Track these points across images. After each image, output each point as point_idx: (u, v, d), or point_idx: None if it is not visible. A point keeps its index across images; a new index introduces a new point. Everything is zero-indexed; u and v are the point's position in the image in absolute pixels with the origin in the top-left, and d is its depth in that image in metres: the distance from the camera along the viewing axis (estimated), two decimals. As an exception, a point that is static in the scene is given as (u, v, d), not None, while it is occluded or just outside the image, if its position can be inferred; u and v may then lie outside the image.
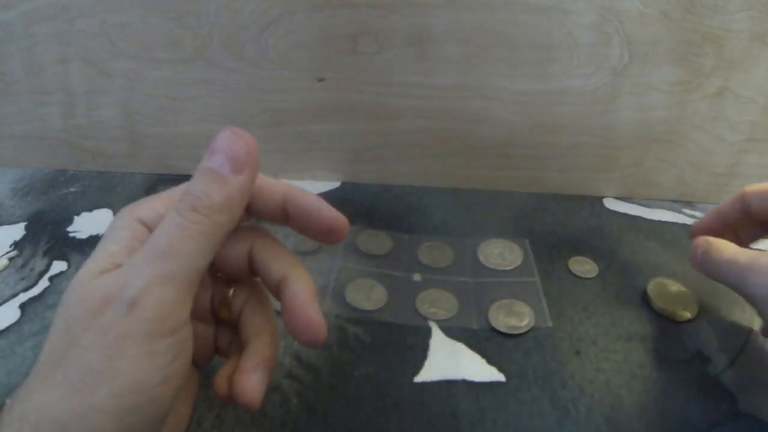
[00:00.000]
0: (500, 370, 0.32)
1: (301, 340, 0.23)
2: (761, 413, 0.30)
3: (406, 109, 0.45)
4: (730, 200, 0.35)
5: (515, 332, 0.34)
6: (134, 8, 0.42)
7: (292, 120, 0.46)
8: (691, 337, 0.34)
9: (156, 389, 0.20)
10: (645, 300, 0.36)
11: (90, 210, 0.46)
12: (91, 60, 0.45)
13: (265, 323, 0.25)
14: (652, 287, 0.37)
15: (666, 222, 0.45)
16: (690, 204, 0.47)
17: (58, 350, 0.20)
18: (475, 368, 0.32)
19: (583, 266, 0.39)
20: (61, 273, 0.39)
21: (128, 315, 0.20)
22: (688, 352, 0.33)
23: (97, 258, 0.22)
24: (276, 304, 0.26)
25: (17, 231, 0.43)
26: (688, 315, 0.35)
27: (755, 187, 0.34)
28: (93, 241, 0.42)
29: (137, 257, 0.21)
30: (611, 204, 0.47)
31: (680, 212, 0.46)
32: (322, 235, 0.25)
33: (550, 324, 0.35)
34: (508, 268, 0.39)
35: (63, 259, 0.40)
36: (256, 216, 0.26)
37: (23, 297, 0.37)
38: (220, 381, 0.24)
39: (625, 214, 0.46)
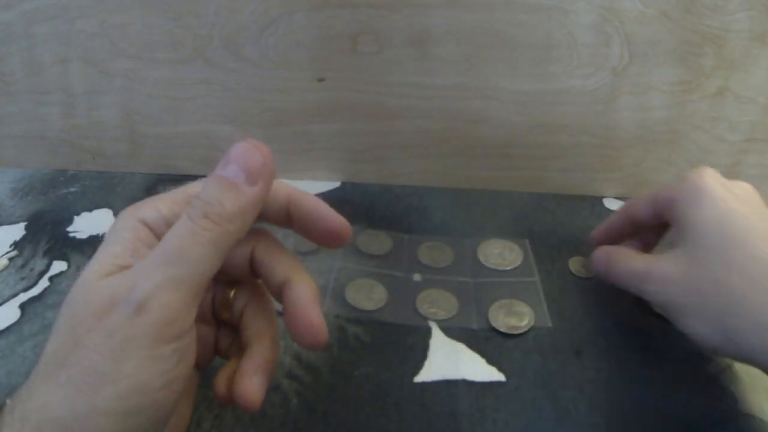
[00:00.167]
0: (500, 370, 0.32)
1: (302, 342, 0.23)
2: (761, 413, 0.30)
3: (406, 109, 0.45)
4: (642, 202, 0.35)
5: (515, 332, 0.34)
6: (134, 8, 0.42)
7: (292, 120, 0.46)
8: (691, 337, 0.34)
9: (160, 392, 0.20)
10: (645, 300, 0.36)
11: (90, 210, 0.46)
12: (91, 60, 0.45)
13: (266, 326, 0.25)
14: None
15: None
16: (690, 204, 0.47)
17: (61, 350, 0.20)
18: (475, 368, 0.32)
19: (584, 266, 0.39)
20: (61, 273, 0.39)
21: (135, 318, 0.20)
22: (688, 352, 0.33)
23: (101, 259, 0.22)
24: (276, 305, 0.26)
25: (17, 231, 0.43)
26: (688, 315, 0.35)
27: (665, 191, 0.33)
28: (93, 241, 0.42)
29: (146, 260, 0.21)
30: (611, 204, 0.47)
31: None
32: (324, 239, 0.25)
33: (550, 324, 0.35)
34: (508, 268, 0.39)
35: (63, 259, 0.40)
36: (259, 217, 0.26)
37: (23, 297, 0.37)
38: (220, 383, 0.24)
39: (625, 214, 0.46)
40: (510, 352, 0.33)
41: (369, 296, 0.36)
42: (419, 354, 0.33)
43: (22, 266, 0.40)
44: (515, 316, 0.35)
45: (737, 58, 0.40)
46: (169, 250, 0.21)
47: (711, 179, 0.31)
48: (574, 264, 0.39)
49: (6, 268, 0.40)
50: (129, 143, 0.49)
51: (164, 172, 0.50)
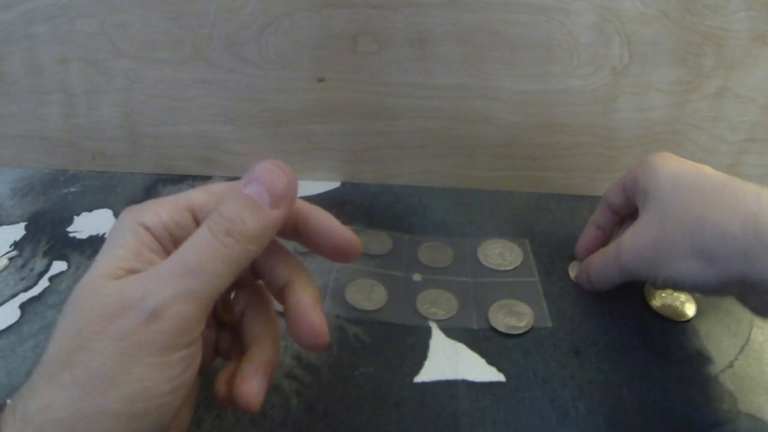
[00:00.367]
0: (500, 370, 0.32)
1: (304, 344, 0.24)
2: (761, 413, 0.30)
3: (406, 109, 0.45)
4: (613, 188, 0.36)
5: (515, 332, 0.34)
6: (134, 8, 0.42)
7: (292, 120, 0.46)
8: (691, 337, 0.34)
9: (165, 397, 0.20)
10: (645, 300, 0.36)
11: (90, 210, 0.46)
12: (91, 60, 0.45)
13: (266, 328, 0.25)
14: (651, 287, 0.37)
15: (666, 222, 0.45)
16: (690, 204, 0.47)
17: (65, 351, 0.20)
18: (475, 368, 0.32)
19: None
20: (61, 273, 0.39)
21: (147, 324, 0.20)
22: (688, 352, 0.33)
23: (105, 260, 0.22)
24: (277, 306, 0.26)
25: (17, 231, 0.43)
26: (688, 315, 0.35)
27: (630, 173, 0.35)
28: (93, 241, 0.42)
29: (161, 268, 0.21)
30: (611, 204, 0.47)
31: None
32: (332, 254, 0.25)
33: (550, 324, 0.35)
34: (508, 268, 0.39)
35: (63, 259, 0.40)
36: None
37: (23, 297, 0.37)
38: (221, 384, 0.24)
39: (625, 214, 0.46)
40: (510, 352, 0.33)
41: (369, 296, 0.36)
42: (419, 354, 0.33)
43: (22, 266, 0.40)
44: (515, 316, 0.35)
45: (737, 58, 0.40)
46: (187, 262, 0.21)
47: (667, 156, 0.33)
48: (574, 270, 0.39)
49: (6, 268, 0.40)
50: (129, 143, 0.49)
51: (164, 172, 0.50)
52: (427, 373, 0.32)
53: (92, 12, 0.43)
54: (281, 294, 0.25)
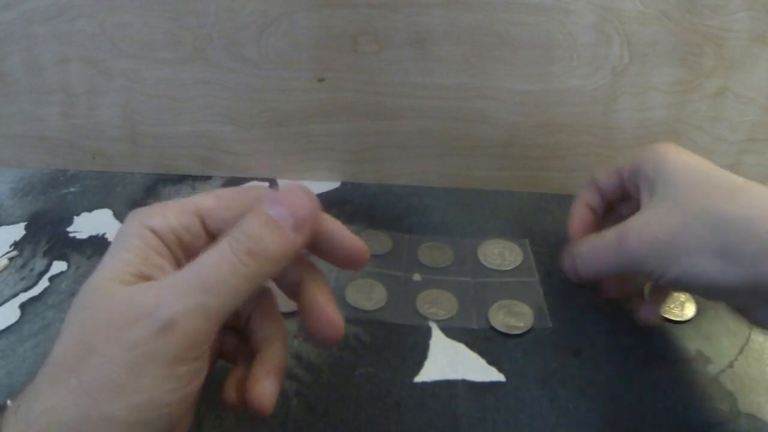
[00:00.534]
0: (500, 370, 0.32)
1: (322, 337, 0.24)
2: (761, 413, 0.30)
3: (406, 109, 0.45)
4: (607, 173, 0.34)
5: (515, 332, 0.34)
6: (134, 8, 0.42)
7: (292, 120, 0.46)
8: (691, 337, 0.34)
9: (171, 407, 0.20)
10: (645, 300, 0.36)
11: (90, 210, 0.46)
12: (91, 60, 0.45)
13: (275, 330, 0.25)
14: (651, 287, 0.37)
15: (666, 222, 0.45)
16: (690, 204, 0.47)
17: (71, 355, 0.20)
18: (475, 368, 0.32)
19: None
20: (61, 273, 0.39)
21: (159, 336, 0.19)
22: (688, 352, 0.33)
23: (112, 264, 0.22)
24: (283, 307, 0.26)
25: (17, 231, 0.43)
26: (688, 315, 0.35)
27: (629, 163, 0.33)
28: (93, 241, 0.42)
29: (177, 279, 0.21)
30: (611, 204, 0.47)
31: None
32: (342, 262, 0.26)
33: (550, 324, 0.35)
34: (508, 268, 0.39)
35: (63, 259, 0.40)
36: None
37: (23, 297, 0.37)
38: (230, 390, 0.25)
39: (625, 214, 0.46)
40: (510, 352, 0.33)
41: (369, 296, 0.36)
42: (419, 354, 0.33)
43: (22, 266, 0.40)
44: (515, 316, 0.35)
45: (737, 58, 0.40)
46: (205, 276, 0.21)
47: (674, 146, 0.31)
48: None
49: (6, 268, 0.40)
50: (129, 143, 0.49)
51: (164, 172, 0.50)
52: (427, 373, 0.32)
53: (92, 12, 0.43)
54: (293, 291, 0.25)
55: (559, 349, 0.33)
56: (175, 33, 0.43)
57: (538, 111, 0.44)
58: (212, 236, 0.25)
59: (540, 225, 0.44)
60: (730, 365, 0.32)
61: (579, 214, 0.35)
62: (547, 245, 0.41)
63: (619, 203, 0.35)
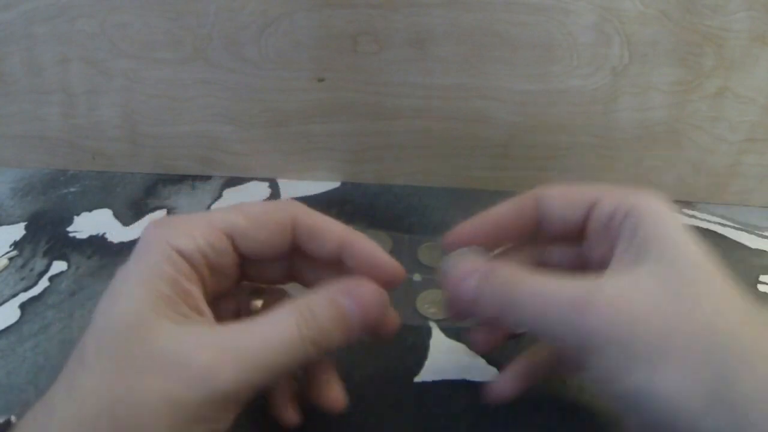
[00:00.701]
0: (500, 370, 0.32)
1: (385, 281, 0.24)
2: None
3: (406, 109, 0.45)
4: (517, 203, 0.26)
5: (515, 332, 0.34)
6: (134, 8, 0.42)
7: (292, 120, 0.46)
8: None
9: None
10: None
11: (90, 210, 0.46)
12: (91, 60, 0.45)
13: None
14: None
15: (666, 222, 0.45)
16: (690, 204, 0.47)
17: (105, 394, 0.19)
18: (475, 368, 0.32)
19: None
20: (61, 273, 0.39)
21: (204, 400, 0.19)
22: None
23: (148, 291, 0.21)
24: None
25: (17, 231, 0.43)
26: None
27: (553, 190, 0.26)
28: (93, 240, 0.42)
29: (233, 344, 0.20)
30: (611, 204, 0.47)
31: (680, 212, 0.46)
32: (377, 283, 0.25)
33: (550, 324, 0.35)
34: (508, 268, 0.39)
35: (63, 259, 0.40)
36: (307, 261, 0.26)
37: (23, 297, 0.37)
38: (288, 408, 0.26)
39: (625, 214, 0.46)
40: (510, 352, 0.33)
41: (369, 296, 0.36)
42: (419, 354, 0.33)
43: (22, 266, 0.40)
44: (515, 316, 0.35)
45: (737, 58, 0.40)
46: (265, 354, 0.20)
47: (676, 212, 0.23)
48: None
49: (6, 268, 0.40)
50: (129, 143, 0.49)
51: (164, 172, 0.50)
52: (427, 373, 0.32)
53: (92, 12, 0.43)
54: (336, 257, 0.25)
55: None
56: (175, 33, 0.43)
57: (538, 111, 0.44)
58: (241, 255, 0.24)
59: (540, 225, 0.44)
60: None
61: (485, 224, 0.27)
62: (547, 245, 0.41)
63: (562, 238, 0.26)
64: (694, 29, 0.39)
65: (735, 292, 0.20)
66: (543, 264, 0.27)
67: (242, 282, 0.27)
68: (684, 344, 0.19)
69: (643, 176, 0.46)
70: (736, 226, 0.44)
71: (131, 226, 0.44)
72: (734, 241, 0.43)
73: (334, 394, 0.25)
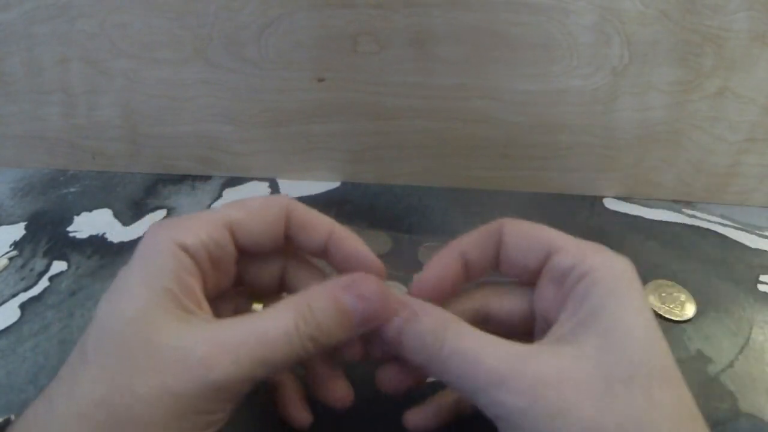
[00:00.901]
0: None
1: (329, 404, 0.25)
2: (761, 413, 0.30)
3: (406, 109, 0.45)
4: (480, 234, 0.25)
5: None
6: (134, 8, 0.42)
7: (292, 120, 0.46)
8: (691, 337, 0.34)
9: None
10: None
11: (90, 210, 0.46)
12: (91, 60, 0.45)
13: None
14: (651, 287, 0.37)
15: (666, 222, 0.45)
16: (690, 204, 0.47)
17: (107, 393, 0.19)
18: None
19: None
20: (61, 273, 0.39)
21: (204, 392, 0.20)
22: (688, 352, 0.33)
23: (153, 288, 0.21)
24: None
25: (17, 231, 0.43)
26: (688, 315, 0.35)
27: (515, 227, 0.25)
28: (93, 240, 0.42)
29: (231, 339, 0.20)
30: (611, 204, 0.47)
31: (680, 212, 0.46)
32: None
33: (550, 324, 0.35)
34: (508, 268, 0.39)
35: (63, 259, 0.40)
36: (296, 247, 0.27)
37: (23, 297, 0.37)
38: (299, 410, 0.26)
39: (625, 214, 0.46)
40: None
41: (369, 296, 0.36)
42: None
43: (22, 266, 0.40)
44: (515, 316, 0.35)
45: (737, 58, 0.40)
46: (262, 348, 0.21)
47: (639, 287, 0.22)
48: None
49: (6, 268, 0.40)
50: (129, 143, 0.49)
51: (164, 172, 0.50)
52: (427, 373, 0.32)
53: (92, 12, 0.43)
54: (325, 248, 0.26)
55: (559, 349, 0.33)
56: (175, 33, 0.43)
57: (538, 111, 0.44)
58: (241, 249, 0.25)
59: (540, 225, 0.44)
60: (731, 365, 0.32)
61: (446, 272, 0.26)
62: (547, 245, 0.41)
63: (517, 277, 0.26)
64: (694, 29, 0.39)
65: (674, 382, 0.20)
66: (487, 310, 0.26)
67: (239, 287, 0.27)
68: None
69: (643, 176, 0.46)
70: (736, 226, 0.44)
71: (131, 226, 0.44)
72: (734, 241, 0.43)
73: (341, 390, 0.26)
